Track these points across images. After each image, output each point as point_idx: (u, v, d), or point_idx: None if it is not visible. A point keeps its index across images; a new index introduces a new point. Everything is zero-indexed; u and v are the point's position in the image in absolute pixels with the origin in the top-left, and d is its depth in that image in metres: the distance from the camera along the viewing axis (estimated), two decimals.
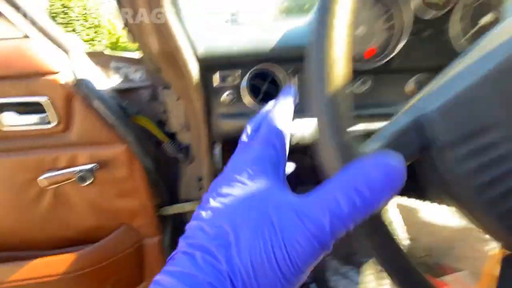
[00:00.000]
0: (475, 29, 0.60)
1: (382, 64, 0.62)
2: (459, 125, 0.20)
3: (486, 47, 0.24)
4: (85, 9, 10.19)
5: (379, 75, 0.64)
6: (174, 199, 0.95)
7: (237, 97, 0.67)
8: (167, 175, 0.93)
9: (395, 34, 0.62)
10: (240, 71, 0.64)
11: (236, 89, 0.66)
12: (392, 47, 0.62)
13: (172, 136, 0.86)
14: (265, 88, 0.65)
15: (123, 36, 22.60)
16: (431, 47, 0.61)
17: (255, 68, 0.64)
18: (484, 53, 0.24)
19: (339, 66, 0.21)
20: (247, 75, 0.64)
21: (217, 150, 0.80)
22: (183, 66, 0.57)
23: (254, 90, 0.66)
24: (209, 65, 0.62)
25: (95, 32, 11.05)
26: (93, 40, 10.91)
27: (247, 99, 0.66)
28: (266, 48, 0.61)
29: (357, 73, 0.63)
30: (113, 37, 22.41)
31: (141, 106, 0.82)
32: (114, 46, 22.24)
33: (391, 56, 0.62)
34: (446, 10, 0.59)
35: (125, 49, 22.15)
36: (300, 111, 0.62)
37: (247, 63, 0.63)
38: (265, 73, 0.65)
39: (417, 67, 0.62)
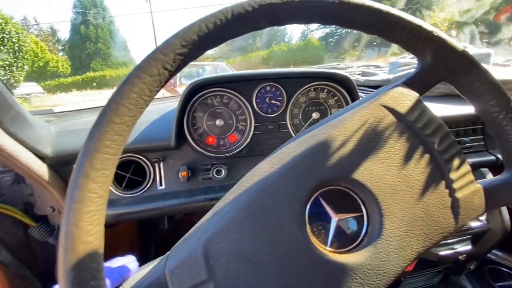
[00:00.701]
0: (308, 122, 0.75)
1: (239, 150, 0.71)
2: (185, 280, 0.25)
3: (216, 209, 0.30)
4: (2, 32, 9.06)
5: (235, 160, 0.72)
6: (53, 281, 0.86)
7: None
8: (43, 257, 0.84)
9: (247, 125, 0.72)
10: None
11: None
12: (246, 136, 0.72)
13: (43, 218, 0.80)
14: (129, 176, 0.67)
15: (54, 60, 20.61)
16: (276, 137, 0.73)
17: None
18: (214, 211, 0.30)
19: (84, 245, 0.22)
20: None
21: None
22: (25, 167, 0.56)
23: (118, 178, 0.67)
24: (62, 161, 0.62)
25: (15, 58, 9.80)
26: (11, 66, 9.61)
27: (112, 186, 0.67)
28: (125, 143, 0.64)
29: (214, 160, 0.71)
30: (41, 60, 20.21)
31: (2, 191, 0.75)
32: (42, 70, 20.03)
33: (246, 143, 0.72)
34: (281, 109, 0.72)
35: (55, 73, 20.09)
36: None
37: None
38: (129, 161, 0.67)
39: (266, 152, 0.73)
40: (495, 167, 0.81)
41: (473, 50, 0.95)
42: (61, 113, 0.74)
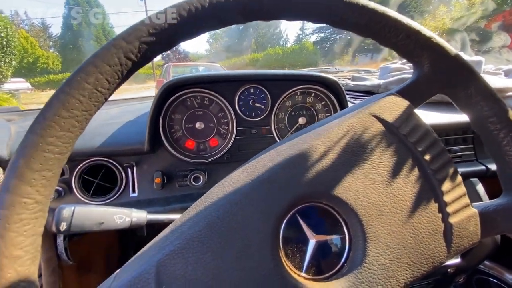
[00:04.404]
0: (294, 127, 0.71)
1: (220, 156, 0.67)
2: None
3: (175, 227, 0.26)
4: None
5: (215, 166, 0.68)
6: None
7: (68, 191, 0.62)
8: None
9: (229, 129, 0.68)
10: (67, 166, 0.60)
11: (66, 183, 0.61)
12: (227, 141, 0.68)
13: None
14: (98, 181, 0.62)
15: (44, 56, 20.18)
16: (260, 142, 0.69)
17: (84, 163, 0.61)
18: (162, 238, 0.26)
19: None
20: (77, 169, 0.61)
21: (59, 240, 0.71)
22: None
23: (85, 184, 0.62)
24: None
25: (3, 53, 9.57)
26: None
27: (78, 193, 0.61)
28: (94, 145, 0.59)
29: (192, 166, 0.66)
30: (30, 56, 19.75)
31: None
32: (32, 66, 19.58)
33: (227, 148, 0.67)
34: (266, 113, 0.68)
35: (45, 70, 19.69)
36: None
37: (74, 158, 0.60)
38: (98, 166, 0.62)
39: (248, 159, 0.69)
40: (485, 177, 0.79)
41: (464, 57, 0.93)
42: (26, 111, 0.68)
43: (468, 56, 0.96)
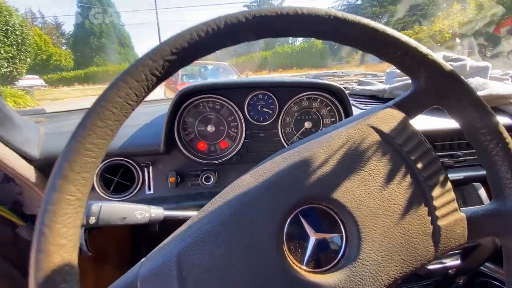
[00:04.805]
0: (300, 131, 0.74)
1: (229, 157, 0.71)
2: None
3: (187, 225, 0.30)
4: (6, 24, 9.05)
5: (225, 167, 0.72)
6: None
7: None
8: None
9: (238, 132, 0.72)
10: None
11: None
12: (237, 143, 0.72)
13: (32, 218, 0.79)
14: (117, 179, 0.67)
15: (57, 53, 20.63)
16: (267, 145, 0.73)
17: (105, 162, 0.66)
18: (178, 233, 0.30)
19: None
20: (98, 168, 0.66)
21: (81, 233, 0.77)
22: (11, 169, 0.55)
23: (106, 181, 0.67)
24: (49, 164, 0.61)
25: (18, 50, 9.79)
26: (14, 59, 9.61)
27: (99, 189, 0.67)
28: (114, 146, 0.64)
29: (203, 166, 0.70)
30: (44, 54, 20.24)
31: None
32: (45, 63, 20.08)
33: (237, 150, 0.71)
34: (273, 118, 0.72)
35: (57, 67, 20.13)
36: None
37: None
38: (117, 165, 0.67)
39: (256, 160, 0.72)
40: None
41: (471, 63, 0.94)
42: (52, 113, 0.73)
43: (475, 62, 0.97)
